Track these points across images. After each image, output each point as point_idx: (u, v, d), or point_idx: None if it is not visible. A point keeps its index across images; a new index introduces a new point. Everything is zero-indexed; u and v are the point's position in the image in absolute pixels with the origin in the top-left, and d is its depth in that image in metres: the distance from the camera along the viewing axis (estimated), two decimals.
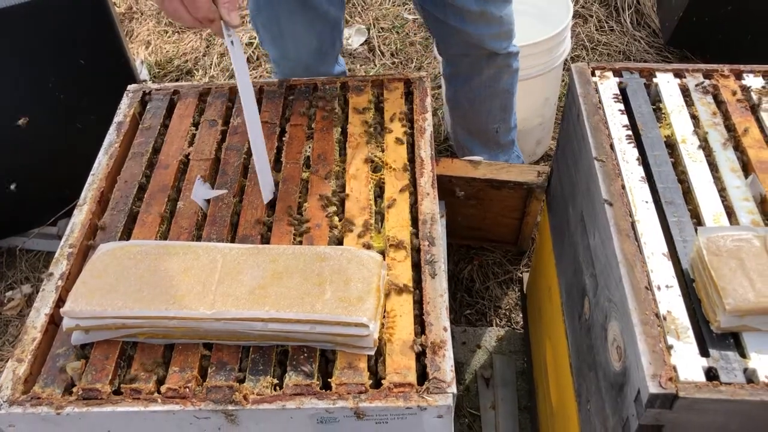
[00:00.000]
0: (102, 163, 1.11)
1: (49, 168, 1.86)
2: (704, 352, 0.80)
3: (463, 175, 1.41)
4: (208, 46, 2.72)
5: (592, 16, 2.70)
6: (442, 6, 1.45)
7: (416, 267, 0.94)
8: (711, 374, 0.79)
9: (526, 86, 2.00)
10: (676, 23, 2.37)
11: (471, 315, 1.84)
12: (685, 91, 1.15)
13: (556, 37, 1.93)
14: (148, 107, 1.20)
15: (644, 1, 2.62)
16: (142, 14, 2.87)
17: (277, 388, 0.81)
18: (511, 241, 1.88)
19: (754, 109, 1.11)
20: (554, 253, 1.31)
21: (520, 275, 1.83)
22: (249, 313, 0.81)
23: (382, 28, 2.76)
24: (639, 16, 2.64)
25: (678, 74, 1.18)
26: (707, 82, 1.16)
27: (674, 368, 0.78)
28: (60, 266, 0.96)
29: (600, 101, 1.13)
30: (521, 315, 1.77)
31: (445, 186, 1.44)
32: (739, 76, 1.17)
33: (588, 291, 1.05)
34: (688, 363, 0.79)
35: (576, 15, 2.70)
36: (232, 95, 1.22)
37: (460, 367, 1.61)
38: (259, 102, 1.20)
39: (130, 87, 1.24)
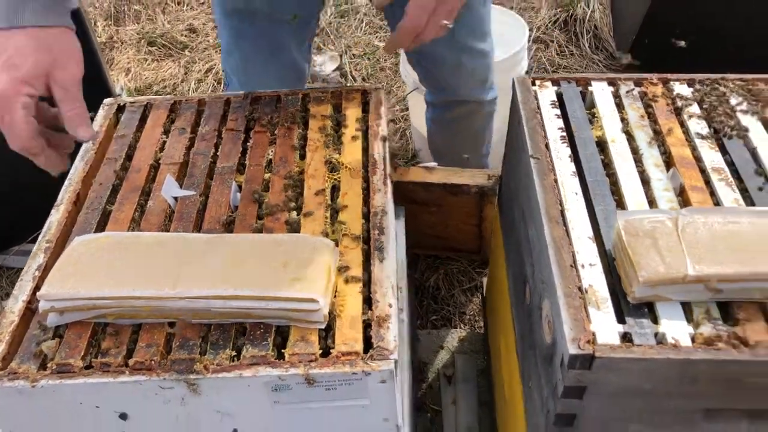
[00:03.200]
0: (78, 167, 1.19)
1: (29, 186, 1.93)
2: (621, 320, 0.89)
3: (420, 180, 1.50)
4: (186, 73, 2.82)
5: (553, 41, 2.84)
6: (418, 51, 1.53)
7: (367, 255, 1.02)
8: (626, 338, 0.87)
9: None
10: (630, 46, 2.51)
11: (436, 320, 1.92)
12: (617, 98, 1.26)
13: (512, 58, 2.05)
14: (122, 118, 1.29)
15: (601, 26, 2.77)
16: (122, 43, 2.97)
17: (235, 359, 0.89)
18: (474, 250, 1.97)
19: (678, 112, 1.22)
20: (504, 250, 1.40)
21: (483, 282, 1.92)
22: (209, 291, 0.89)
23: (354, 54, 2.89)
24: (597, 41, 2.78)
25: (612, 83, 1.29)
26: (637, 89, 1.27)
27: (593, 334, 0.87)
28: (37, 259, 1.04)
29: (538, 107, 1.23)
30: (483, 319, 1.86)
31: (406, 193, 1.53)
32: (666, 83, 1.29)
33: (528, 278, 1.14)
34: (606, 329, 0.88)
35: (538, 40, 2.85)
36: (200, 107, 1.31)
37: (423, 366, 1.68)
38: (226, 113, 1.29)
39: (106, 101, 1.33)
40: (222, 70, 1.67)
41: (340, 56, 2.86)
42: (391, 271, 0.98)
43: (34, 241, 2.07)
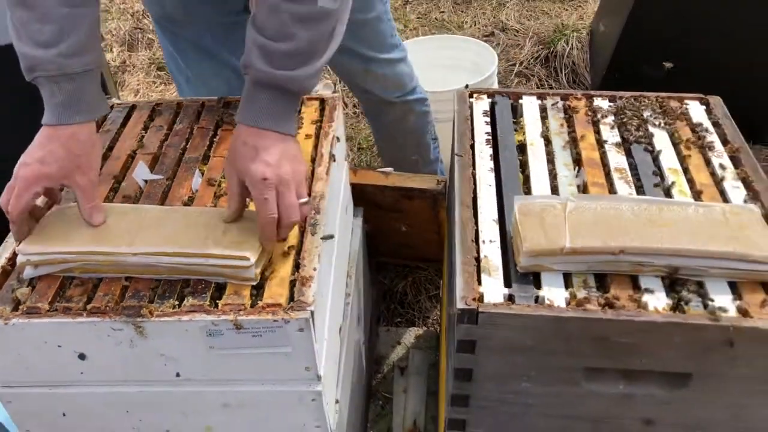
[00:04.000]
0: None
1: None
2: (508, 285, 1.04)
3: (376, 183, 1.66)
4: None
5: (534, 76, 3.02)
6: (333, 61, 1.63)
7: (303, 231, 1.17)
8: (511, 300, 1.01)
9: None
10: (600, 80, 2.68)
11: (400, 323, 2.06)
12: (544, 110, 1.42)
13: (483, 82, 2.23)
14: (108, 117, 1.47)
15: (579, 62, 2.94)
16: (134, 67, 3.20)
17: (177, 308, 1.04)
18: (441, 259, 2.11)
19: (595, 123, 1.37)
20: (446, 247, 1.55)
21: None
22: (158, 248, 1.05)
23: None
24: (574, 75, 2.95)
25: (540, 97, 1.45)
26: (562, 102, 1.43)
27: (482, 294, 1.01)
28: None
29: (471, 115, 1.39)
30: None
31: (364, 195, 1.69)
32: (589, 98, 1.44)
33: (452, 262, 1.29)
34: (494, 291, 1.02)
35: (520, 74, 3.03)
36: (178, 109, 1.49)
37: (380, 359, 1.81)
38: (200, 114, 1.47)
39: None
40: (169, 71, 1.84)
41: (334, 84, 3.06)
42: (319, 242, 1.13)
43: None
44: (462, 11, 3.58)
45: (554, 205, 1.09)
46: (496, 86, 2.32)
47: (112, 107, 1.50)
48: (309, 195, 1.14)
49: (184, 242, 1.06)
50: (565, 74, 2.95)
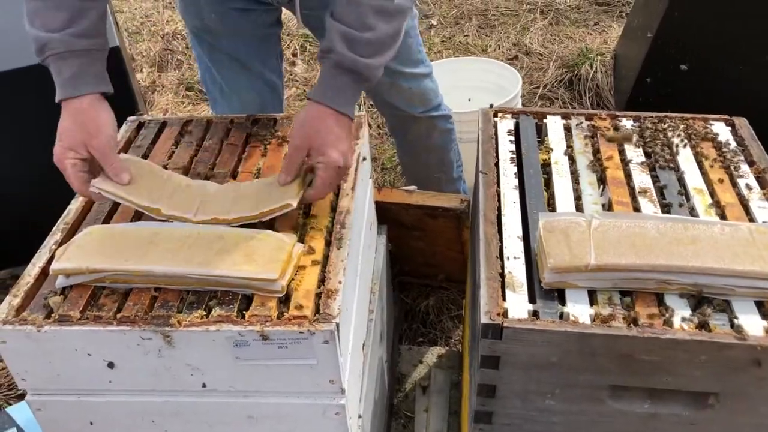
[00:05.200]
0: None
1: (55, 200, 2.15)
2: (533, 301, 1.04)
3: (399, 202, 1.68)
4: None
5: (557, 99, 3.03)
6: None
7: (329, 244, 1.19)
8: (535, 316, 1.02)
9: None
10: (624, 104, 2.68)
11: (422, 342, 2.06)
12: (568, 129, 1.43)
13: (505, 105, 2.24)
14: (141, 132, 1.51)
15: (603, 85, 2.95)
16: (163, 87, 3.27)
17: (205, 318, 1.06)
18: (463, 279, 2.12)
19: (620, 143, 1.38)
20: (469, 265, 1.56)
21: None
22: (187, 269, 1.07)
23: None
24: (598, 98, 2.96)
25: (565, 117, 1.47)
26: (587, 122, 1.44)
27: (506, 310, 1.02)
28: (55, 236, 1.23)
29: (495, 134, 1.41)
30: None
31: (388, 213, 1.71)
32: (614, 118, 1.45)
33: (474, 277, 1.29)
34: (518, 307, 1.02)
35: (543, 97, 3.04)
36: (208, 125, 1.52)
37: (402, 378, 1.81)
38: (229, 130, 1.50)
39: (129, 118, 1.55)
40: (200, 81, 1.89)
41: (358, 103, 3.10)
42: (345, 256, 1.15)
43: None
44: (486, 35, 3.61)
45: (579, 222, 1.09)
46: (519, 107, 2.34)
47: (143, 123, 1.54)
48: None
49: (215, 263, 1.08)
50: (588, 97, 2.96)
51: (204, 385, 1.11)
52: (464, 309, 1.89)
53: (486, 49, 3.47)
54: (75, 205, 1.31)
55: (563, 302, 1.04)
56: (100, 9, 1.23)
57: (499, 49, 3.45)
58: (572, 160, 1.33)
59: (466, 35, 3.63)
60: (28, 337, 1.06)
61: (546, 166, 1.33)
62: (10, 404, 1.98)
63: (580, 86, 3.01)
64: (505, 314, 1.01)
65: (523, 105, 2.86)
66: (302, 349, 1.04)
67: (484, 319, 0.99)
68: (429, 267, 2.07)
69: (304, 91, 3.21)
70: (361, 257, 1.36)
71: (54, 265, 1.11)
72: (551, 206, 1.23)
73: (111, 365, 1.09)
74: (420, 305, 2.16)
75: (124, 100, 2.12)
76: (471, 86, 2.53)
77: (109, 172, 1.21)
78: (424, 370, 1.82)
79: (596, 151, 1.35)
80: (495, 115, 1.47)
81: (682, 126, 1.41)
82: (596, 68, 2.98)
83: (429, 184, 2.09)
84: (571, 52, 3.25)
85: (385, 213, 1.72)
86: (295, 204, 1.17)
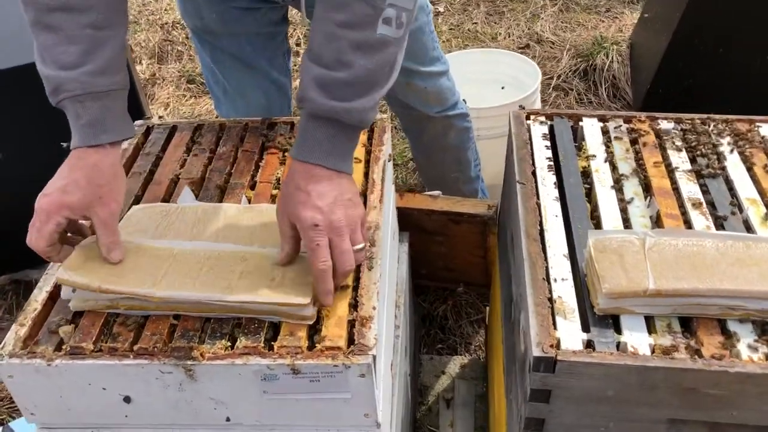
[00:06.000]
0: None
1: None
2: (586, 330, 0.96)
3: (423, 207, 1.59)
4: None
5: (572, 90, 2.94)
6: None
7: (358, 264, 1.11)
8: (589, 346, 0.94)
9: (499, 143, 2.21)
10: (644, 95, 2.60)
11: (442, 349, 1.98)
12: (606, 133, 1.34)
13: (524, 100, 2.16)
14: (149, 138, 1.42)
15: (619, 76, 2.86)
16: (163, 80, 3.17)
17: (230, 350, 0.97)
18: (483, 283, 2.04)
19: (662, 147, 1.29)
20: (499, 275, 1.47)
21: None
22: (212, 295, 0.99)
23: None
24: (615, 89, 2.87)
25: (602, 119, 1.38)
26: (625, 125, 1.35)
27: (558, 340, 0.94)
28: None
29: (530, 139, 1.32)
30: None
31: (410, 219, 1.62)
32: (654, 120, 1.36)
33: (514, 295, 1.21)
34: (571, 336, 0.94)
35: (558, 88, 2.95)
36: (221, 130, 1.43)
37: (424, 390, 1.74)
38: (243, 136, 1.41)
39: (137, 122, 1.46)
40: (201, 74, 1.79)
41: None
42: (377, 278, 1.06)
43: None
44: (495, 22, 3.51)
45: (632, 241, 1.01)
46: (539, 102, 2.25)
47: (151, 128, 1.45)
48: (365, 239, 1.07)
49: (239, 287, 1.00)
50: (605, 88, 2.86)
51: (228, 419, 1.03)
52: (488, 318, 1.82)
53: (496, 37, 3.37)
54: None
55: (618, 330, 0.96)
56: (119, 38, 1.09)
57: (509, 37, 3.35)
58: (614, 167, 1.25)
59: (475, 23, 3.52)
60: (38, 371, 0.98)
61: (586, 174, 1.25)
62: (13, 418, 1.90)
63: (595, 77, 2.92)
64: (557, 345, 0.93)
65: None
66: (336, 383, 0.96)
67: (536, 352, 0.91)
68: (448, 271, 1.98)
69: None
70: (387, 271, 1.28)
71: (61, 274, 1.03)
72: (595, 219, 1.15)
73: (127, 399, 1.01)
74: (438, 309, 2.08)
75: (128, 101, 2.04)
76: (484, 80, 2.43)
77: (104, 246, 1.04)
78: (447, 381, 1.75)
79: (639, 158, 1.27)
80: (527, 118, 1.38)
81: (725, 128, 1.33)
82: (612, 58, 2.89)
83: (446, 183, 2.00)
84: (585, 40, 3.16)
85: (405, 218, 1.64)
86: (308, 302, 0.98)
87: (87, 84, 1.05)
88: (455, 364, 1.79)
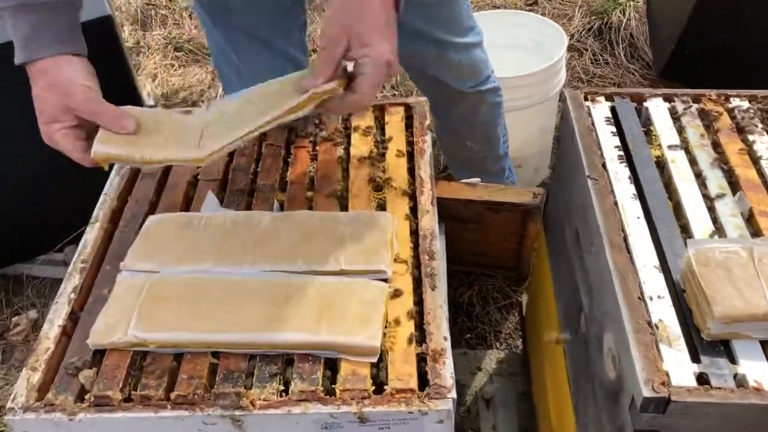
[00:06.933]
0: (114, 183, 1.15)
1: (56, 195, 1.90)
2: (695, 359, 0.83)
3: (460, 197, 1.45)
4: (213, 79, 2.78)
5: (587, 50, 2.77)
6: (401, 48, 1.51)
7: (416, 281, 0.97)
8: (702, 379, 0.81)
9: (524, 115, 2.06)
10: (668, 56, 2.44)
11: (471, 339, 1.86)
12: (674, 115, 1.20)
13: (550, 69, 1.99)
14: None
15: (637, 35, 2.70)
16: (149, 48, 2.95)
17: (283, 394, 0.84)
18: (511, 267, 1.90)
19: (741, 131, 1.15)
20: (552, 273, 1.34)
21: (520, 300, 1.86)
22: (249, 338, 0.85)
23: None
24: (633, 50, 2.71)
25: (667, 98, 1.23)
26: (695, 105, 1.21)
27: (667, 374, 0.81)
28: (72, 280, 0.99)
29: (593, 124, 1.17)
30: (521, 338, 1.80)
31: (445, 209, 1.48)
32: (726, 99, 1.22)
33: (584, 306, 1.08)
34: (680, 369, 0.82)
35: (571, 48, 2.78)
36: None
37: (460, 389, 1.62)
38: None
39: None
40: (214, 68, 1.62)
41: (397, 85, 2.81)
42: (444, 300, 0.93)
43: (60, 250, 2.07)
44: None
45: (738, 252, 0.88)
46: (564, 73, 2.09)
47: None
48: None
49: (289, 322, 0.86)
50: (622, 48, 2.70)
51: None
52: (526, 308, 1.69)
53: None
54: (92, 235, 1.07)
55: (732, 358, 0.83)
56: None
57: None
58: (690, 157, 1.11)
59: None
60: (58, 426, 0.84)
61: (659, 164, 1.11)
62: None
63: (611, 35, 2.75)
64: (667, 381, 0.80)
65: None
66: (408, 430, 0.83)
67: (645, 392, 0.79)
68: (474, 255, 1.85)
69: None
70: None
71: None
72: (680, 220, 1.01)
73: None
74: (464, 295, 1.96)
75: (121, 84, 1.85)
76: (503, 44, 2.24)
77: (108, 125, 0.97)
78: (484, 378, 1.64)
79: (716, 144, 1.13)
80: (585, 99, 1.23)
81: None
82: (629, 15, 2.72)
83: (472, 163, 1.86)
84: None
85: (439, 209, 1.48)
86: (388, 273, 0.94)
87: None
88: (491, 359, 1.68)
